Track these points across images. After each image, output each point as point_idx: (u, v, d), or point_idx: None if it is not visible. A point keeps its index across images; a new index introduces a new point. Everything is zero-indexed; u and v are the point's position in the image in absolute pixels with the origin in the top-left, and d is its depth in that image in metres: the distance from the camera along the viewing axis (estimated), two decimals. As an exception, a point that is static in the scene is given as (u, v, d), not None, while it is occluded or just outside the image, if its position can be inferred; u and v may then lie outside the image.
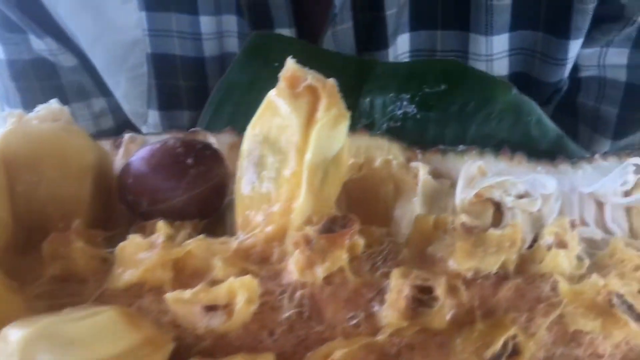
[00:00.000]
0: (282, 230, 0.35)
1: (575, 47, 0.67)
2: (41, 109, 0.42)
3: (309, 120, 0.36)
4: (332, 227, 0.35)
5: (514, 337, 0.33)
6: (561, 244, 0.37)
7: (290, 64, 0.37)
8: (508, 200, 0.43)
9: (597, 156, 0.47)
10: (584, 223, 0.44)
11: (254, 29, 0.70)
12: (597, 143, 0.76)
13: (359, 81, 0.57)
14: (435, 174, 0.46)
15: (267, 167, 0.37)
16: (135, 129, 0.83)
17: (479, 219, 0.43)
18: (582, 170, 0.46)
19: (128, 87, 0.77)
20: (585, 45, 0.68)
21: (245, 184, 0.37)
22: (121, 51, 0.74)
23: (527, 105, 0.51)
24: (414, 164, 0.46)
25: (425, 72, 0.53)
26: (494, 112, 0.51)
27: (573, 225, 0.37)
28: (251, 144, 0.38)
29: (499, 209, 0.44)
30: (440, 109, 0.51)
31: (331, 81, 0.37)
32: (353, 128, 0.50)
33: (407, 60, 0.72)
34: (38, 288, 0.35)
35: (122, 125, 0.85)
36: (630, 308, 0.34)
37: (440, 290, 0.33)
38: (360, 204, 0.46)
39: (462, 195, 0.43)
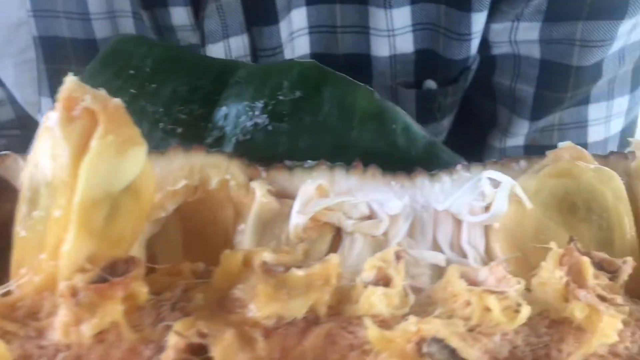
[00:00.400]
0: (52, 279, 0.30)
1: (478, 20, 0.63)
2: None
3: (82, 149, 0.31)
4: (105, 276, 0.30)
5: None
6: (383, 280, 0.32)
7: (68, 81, 0.32)
8: (347, 224, 0.38)
9: (458, 167, 0.42)
10: (436, 246, 0.40)
11: (146, 8, 0.65)
12: (516, 125, 0.72)
13: (219, 87, 0.52)
14: (281, 195, 0.41)
15: (39, 206, 0.32)
16: (33, 120, 0.77)
17: (314, 246, 0.38)
18: (440, 183, 0.42)
19: (17, 74, 0.72)
20: (493, 19, 0.64)
21: (20, 224, 0.32)
22: (4, 34, 0.68)
23: (391, 112, 0.47)
24: (253, 184, 0.41)
25: (280, 76, 0.48)
26: (355, 121, 0.46)
27: (399, 256, 0.33)
28: (27, 177, 0.33)
29: (340, 233, 0.39)
30: (294, 119, 0.46)
31: (115, 102, 0.32)
32: (198, 143, 0.45)
33: (306, 38, 0.67)
34: None
35: (23, 116, 0.79)
36: (452, 354, 0.30)
37: (218, 349, 0.28)
38: (197, 232, 0.41)
39: (297, 220, 0.38)
